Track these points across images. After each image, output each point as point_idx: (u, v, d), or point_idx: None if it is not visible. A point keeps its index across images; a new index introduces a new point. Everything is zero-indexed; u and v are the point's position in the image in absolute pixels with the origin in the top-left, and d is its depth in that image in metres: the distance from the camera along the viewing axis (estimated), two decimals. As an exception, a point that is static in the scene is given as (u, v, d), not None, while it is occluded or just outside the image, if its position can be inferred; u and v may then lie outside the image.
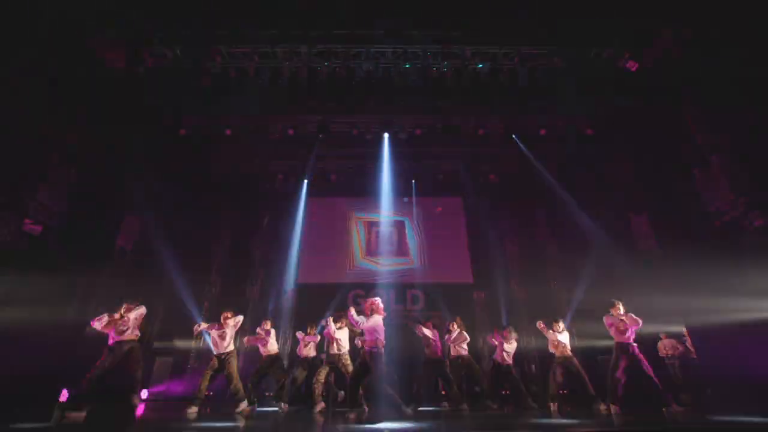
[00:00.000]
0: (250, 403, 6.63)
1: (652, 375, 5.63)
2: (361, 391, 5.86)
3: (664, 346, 9.05)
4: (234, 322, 6.75)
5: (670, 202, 9.04)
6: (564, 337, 6.91)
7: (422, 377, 7.14)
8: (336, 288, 12.51)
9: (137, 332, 6.20)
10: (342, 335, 7.02)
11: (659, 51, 8.64)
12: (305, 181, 13.81)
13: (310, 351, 7.64)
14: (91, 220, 8.61)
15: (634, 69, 9.29)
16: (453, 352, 7.49)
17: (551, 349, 6.95)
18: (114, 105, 8.89)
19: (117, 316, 6.06)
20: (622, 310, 6.11)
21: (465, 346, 7.46)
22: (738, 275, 7.16)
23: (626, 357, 5.80)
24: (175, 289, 10.51)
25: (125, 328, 6.00)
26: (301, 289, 12.62)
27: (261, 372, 7.34)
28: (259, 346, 7.35)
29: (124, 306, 6.25)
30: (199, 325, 6.74)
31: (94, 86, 8.40)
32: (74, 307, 7.83)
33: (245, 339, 7.68)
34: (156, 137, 10.66)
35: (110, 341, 5.91)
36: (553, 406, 6.46)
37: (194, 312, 11.38)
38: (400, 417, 5.05)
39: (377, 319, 5.41)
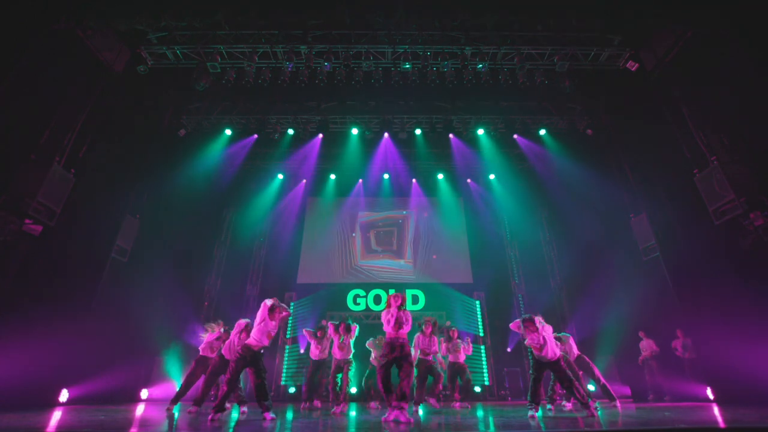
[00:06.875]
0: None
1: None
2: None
3: (643, 348, 8.85)
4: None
5: (670, 202, 9.03)
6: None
7: (420, 375, 7.27)
8: (335, 288, 12.56)
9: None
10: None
11: (659, 51, 8.63)
12: (304, 180, 13.83)
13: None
14: (90, 221, 8.59)
15: (634, 69, 9.28)
16: (451, 358, 7.63)
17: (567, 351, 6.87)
18: (113, 105, 8.88)
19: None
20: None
21: (462, 353, 7.62)
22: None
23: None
24: (175, 288, 10.49)
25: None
26: (301, 288, 12.63)
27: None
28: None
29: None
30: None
31: (94, 87, 8.39)
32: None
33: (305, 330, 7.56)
34: (156, 137, 10.64)
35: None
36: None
37: (192, 311, 11.38)
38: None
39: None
